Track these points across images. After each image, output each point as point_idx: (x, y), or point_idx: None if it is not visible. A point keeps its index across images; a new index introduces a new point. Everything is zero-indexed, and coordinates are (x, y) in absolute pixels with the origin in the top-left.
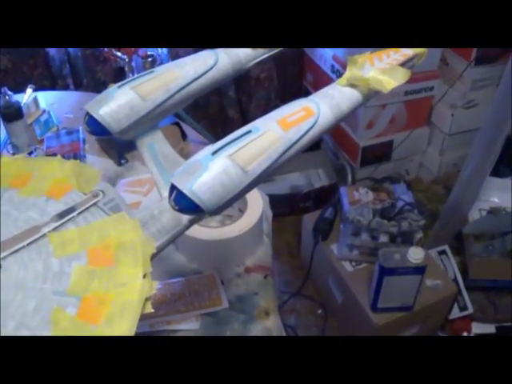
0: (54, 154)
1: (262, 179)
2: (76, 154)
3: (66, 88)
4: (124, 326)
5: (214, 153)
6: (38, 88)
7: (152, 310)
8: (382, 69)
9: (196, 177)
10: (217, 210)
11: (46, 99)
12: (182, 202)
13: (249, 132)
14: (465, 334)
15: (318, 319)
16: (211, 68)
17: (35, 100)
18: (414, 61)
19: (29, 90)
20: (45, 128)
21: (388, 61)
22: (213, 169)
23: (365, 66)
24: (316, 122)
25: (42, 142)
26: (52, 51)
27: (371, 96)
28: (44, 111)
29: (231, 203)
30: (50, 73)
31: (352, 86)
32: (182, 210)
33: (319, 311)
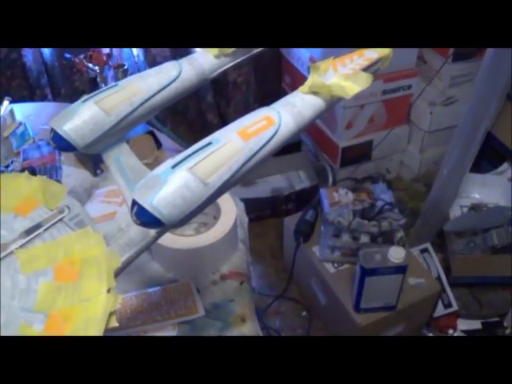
0: (31, 167)
1: (223, 191)
2: (53, 165)
3: (44, 98)
4: None
5: (174, 166)
6: (16, 99)
7: (117, 325)
8: (345, 74)
9: (156, 191)
10: (178, 223)
11: (23, 111)
12: (144, 216)
13: (209, 144)
14: (450, 331)
15: (302, 321)
16: (175, 79)
17: (11, 112)
18: (378, 65)
19: (5, 103)
20: (21, 140)
21: (351, 66)
22: (173, 182)
23: (327, 72)
24: (277, 132)
25: (18, 154)
26: (29, 62)
27: (334, 102)
28: (20, 123)
29: (193, 215)
30: (28, 83)
31: (314, 93)
32: (143, 224)
33: (304, 313)
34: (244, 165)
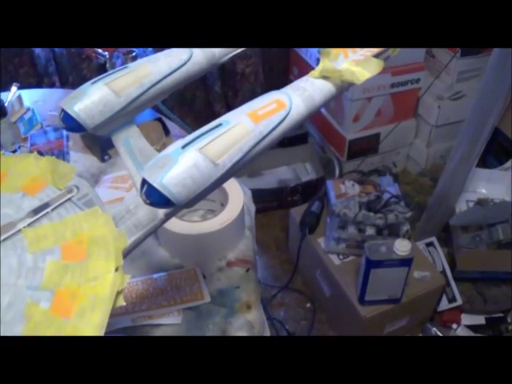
0: (39, 151)
1: (232, 172)
2: (60, 151)
3: (51, 86)
4: (95, 318)
5: (184, 146)
6: (24, 86)
7: (124, 304)
8: (356, 60)
9: (166, 170)
10: (188, 204)
11: (31, 97)
12: (153, 196)
13: (219, 125)
14: (454, 325)
15: (306, 313)
16: (185, 63)
17: (19, 98)
18: (388, 51)
19: (13, 89)
20: (29, 126)
21: (362, 52)
22: (183, 162)
23: (338, 57)
24: (287, 115)
25: (26, 139)
26: (37, 50)
27: (345, 87)
28: (28, 109)
29: (203, 196)
30: (36, 71)
31: (325, 77)
32: (153, 204)
33: (308, 305)
34: (254, 147)
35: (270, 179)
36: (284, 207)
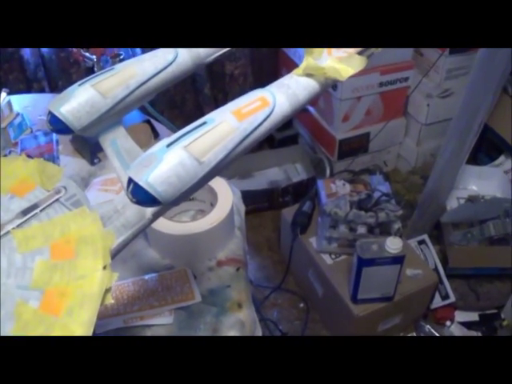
0: (29, 156)
1: (218, 170)
2: (50, 155)
3: (41, 91)
4: (84, 316)
5: (169, 145)
6: (14, 92)
7: (112, 301)
8: (339, 57)
9: (151, 169)
10: (174, 202)
11: (20, 102)
12: (139, 194)
13: (204, 123)
14: (448, 322)
15: (300, 313)
16: (171, 63)
17: (9, 103)
18: (371, 49)
19: (3, 94)
20: (18, 131)
21: (345, 49)
22: (168, 160)
23: (322, 55)
24: (272, 112)
25: (16, 144)
26: (26, 55)
27: (329, 84)
28: (18, 114)
29: (189, 194)
30: (25, 76)
31: (309, 75)
32: (139, 202)
33: (301, 305)
34: (239, 144)
35: (261, 180)
36: (275, 208)
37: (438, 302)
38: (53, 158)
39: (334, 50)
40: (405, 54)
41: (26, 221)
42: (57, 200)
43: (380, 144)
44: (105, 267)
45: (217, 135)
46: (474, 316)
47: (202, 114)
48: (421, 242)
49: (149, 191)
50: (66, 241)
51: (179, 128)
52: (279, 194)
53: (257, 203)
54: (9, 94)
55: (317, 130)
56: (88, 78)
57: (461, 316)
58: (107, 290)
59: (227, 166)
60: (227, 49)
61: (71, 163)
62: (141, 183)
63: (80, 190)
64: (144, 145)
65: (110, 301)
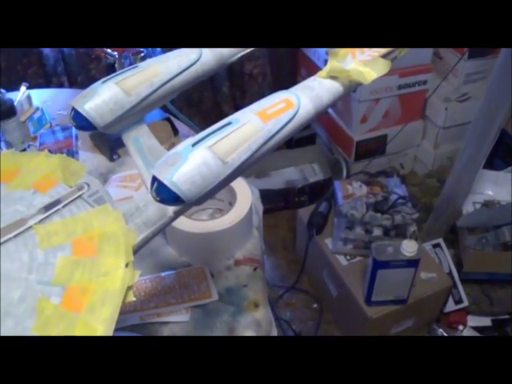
0: (48, 150)
1: (241, 170)
2: (69, 150)
3: (60, 86)
4: (105, 313)
5: (194, 144)
6: (33, 86)
7: (134, 299)
8: (364, 60)
9: (176, 168)
10: (197, 201)
11: (40, 97)
12: (163, 193)
13: (228, 124)
14: (460, 327)
15: (313, 313)
16: (194, 63)
17: (28, 98)
18: (396, 52)
19: (22, 88)
20: (38, 125)
21: (369, 52)
22: (192, 160)
23: (346, 58)
24: (296, 114)
25: (35, 138)
26: (46, 50)
27: (353, 87)
28: (37, 109)
29: (212, 194)
30: (44, 71)
31: (333, 78)
32: (163, 201)
33: (314, 305)
34: (262, 145)
35: (278, 180)
36: (291, 208)
37: (451, 305)
38: (72, 153)
39: (358, 53)
40: (424, 57)
41: (48, 216)
42: (79, 196)
43: (397, 146)
44: (127, 265)
45: (241, 136)
46: (486, 321)
47: (220, 113)
48: (436, 246)
49: (173, 190)
50: (88, 238)
51: (198, 126)
52: (295, 193)
53: (273, 203)
54: (28, 88)
55: (334, 130)
56: (111, 75)
57: (473, 320)
58: (129, 288)
59: (250, 167)
60: (250, 49)
61: (90, 159)
62: (165, 182)
63: (103, 187)
64: (164, 142)
65: (131, 299)
